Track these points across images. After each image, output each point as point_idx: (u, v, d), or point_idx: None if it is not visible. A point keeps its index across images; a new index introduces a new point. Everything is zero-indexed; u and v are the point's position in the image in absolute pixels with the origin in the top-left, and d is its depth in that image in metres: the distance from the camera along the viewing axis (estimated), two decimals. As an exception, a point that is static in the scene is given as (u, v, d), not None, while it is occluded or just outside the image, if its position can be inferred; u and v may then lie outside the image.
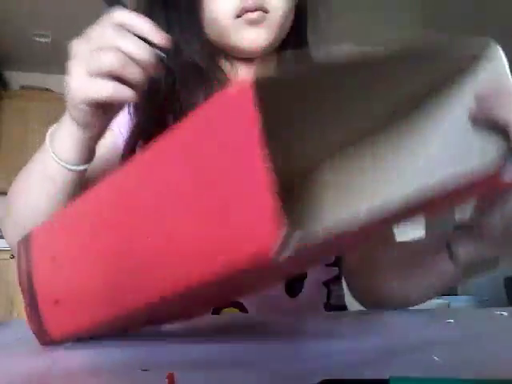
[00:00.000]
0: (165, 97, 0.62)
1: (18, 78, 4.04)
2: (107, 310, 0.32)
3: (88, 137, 0.47)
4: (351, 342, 0.36)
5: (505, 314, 0.47)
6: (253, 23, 0.59)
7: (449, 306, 3.31)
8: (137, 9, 0.61)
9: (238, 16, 0.59)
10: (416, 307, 0.59)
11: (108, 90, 0.41)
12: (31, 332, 0.36)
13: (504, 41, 0.46)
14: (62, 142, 0.49)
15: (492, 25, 3.17)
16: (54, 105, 3.86)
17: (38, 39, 3.54)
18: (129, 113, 0.63)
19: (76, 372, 0.29)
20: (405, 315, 0.52)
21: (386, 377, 0.22)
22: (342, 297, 0.69)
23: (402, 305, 0.58)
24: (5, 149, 3.79)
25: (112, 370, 0.29)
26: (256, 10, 0.58)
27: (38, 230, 0.38)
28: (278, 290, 0.60)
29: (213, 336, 0.41)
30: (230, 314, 0.58)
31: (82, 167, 0.49)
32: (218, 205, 0.23)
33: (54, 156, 0.49)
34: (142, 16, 0.43)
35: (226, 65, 0.66)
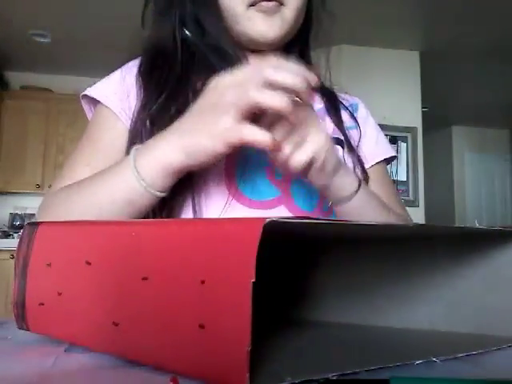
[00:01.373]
0: (179, 78, 0.61)
1: (17, 78, 4.05)
2: (86, 335, 0.32)
3: (190, 166, 0.47)
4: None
5: (505, 314, 0.47)
6: (266, 13, 0.59)
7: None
8: None
9: (252, 5, 0.58)
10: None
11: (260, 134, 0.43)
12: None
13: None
14: (152, 169, 0.48)
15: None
16: (54, 105, 3.87)
17: (37, 39, 3.54)
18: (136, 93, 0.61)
19: (76, 372, 0.29)
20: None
21: (386, 377, 0.22)
22: None
23: None
24: (5, 149, 3.79)
25: (112, 370, 0.29)
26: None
27: (45, 229, 0.38)
28: None
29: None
30: None
31: (167, 192, 0.50)
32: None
33: (143, 182, 0.48)
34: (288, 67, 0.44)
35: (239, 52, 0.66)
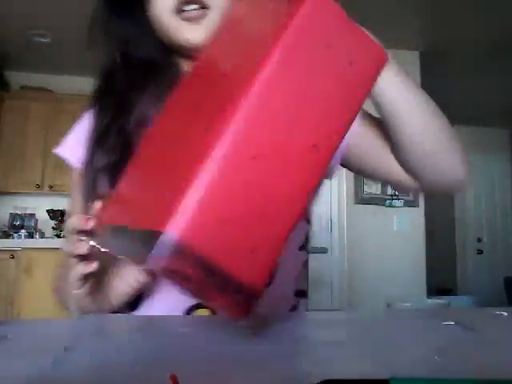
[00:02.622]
0: (120, 101, 0.61)
1: (17, 78, 4.04)
2: None
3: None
4: (351, 342, 0.36)
5: (505, 314, 0.47)
6: (191, 20, 0.58)
7: (449, 305, 3.31)
8: (96, 12, 0.63)
9: (178, 12, 0.58)
10: (416, 307, 0.58)
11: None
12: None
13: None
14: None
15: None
16: (54, 105, 3.87)
17: (37, 39, 3.54)
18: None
19: (76, 372, 0.29)
20: (404, 315, 0.52)
21: (386, 377, 0.22)
22: (305, 279, 0.69)
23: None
24: (5, 149, 3.78)
25: (112, 370, 0.29)
26: (192, 2, 0.57)
27: None
28: None
29: (213, 336, 0.41)
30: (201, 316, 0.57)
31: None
32: None
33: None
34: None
35: (177, 61, 0.66)
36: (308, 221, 0.69)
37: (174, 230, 0.28)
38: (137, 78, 0.62)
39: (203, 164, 0.29)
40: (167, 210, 0.29)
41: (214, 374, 0.27)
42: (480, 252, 5.35)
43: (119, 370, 0.29)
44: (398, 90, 0.51)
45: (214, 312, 0.57)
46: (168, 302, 0.58)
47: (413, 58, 3.65)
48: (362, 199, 3.48)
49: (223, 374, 0.28)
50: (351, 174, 3.51)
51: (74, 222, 0.45)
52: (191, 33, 0.59)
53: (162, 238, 0.28)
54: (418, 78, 3.66)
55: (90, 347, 0.35)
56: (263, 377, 0.27)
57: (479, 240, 5.37)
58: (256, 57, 0.32)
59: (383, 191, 3.52)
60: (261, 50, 0.32)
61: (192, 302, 0.58)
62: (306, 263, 0.68)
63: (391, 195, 3.50)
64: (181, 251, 0.28)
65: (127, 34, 0.63)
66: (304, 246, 0.67)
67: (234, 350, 0.33)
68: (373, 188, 3.51)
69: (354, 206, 3.48)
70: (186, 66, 0.65)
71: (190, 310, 0.58)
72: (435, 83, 3.99)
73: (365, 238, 3.45)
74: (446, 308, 2.93)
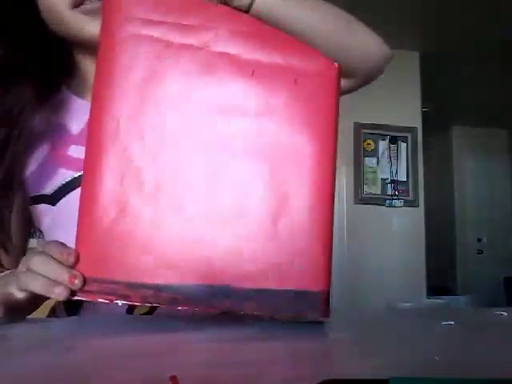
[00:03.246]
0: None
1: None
2: None
3: None
4: (351, 342, 0.36)
5: (505, 314, 0.47)
6: (92, 14, 0.52)
7: (448, 305, 3.31)
8: None
9: (76, 5, 0.52)
10: (415, 307, 0.58)
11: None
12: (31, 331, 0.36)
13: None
14: None
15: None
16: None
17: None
18: None
19: (76, 372, 0.29)
20: (404, 315, 0.52)
21: (386, 377, 0.22)
22: None
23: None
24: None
25: (112, 370, 0.29)
26: None
27: None
28: None
29: (213, 336, 0.41)
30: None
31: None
32: None
33: None
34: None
35: (78, 59, 0.60)
36: None
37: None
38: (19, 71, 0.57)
39: None
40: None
41: (214, 374, 0.27)
42: (480, 252, 5.34)
43: (119, 370, 0.29)
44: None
45: (152, 308, 0.55)
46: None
47: (413, 58, 3.65)
48: (361, 199, 3.48)
49: (223, 374, 0.28)
50: (351, 174, 3.51)
51: (53, 250, 0.42)
52: (95, 28, 0.50)
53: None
54: (418, 78, 3.66)
55: (90, 347, 0.35)
56: (263, 377, 0.27)
57: (479, 240, 5.37)
58: None
59: (383, 191, 3.52)
60: None
61: None
62: None
63: (391, 195, 3.50)
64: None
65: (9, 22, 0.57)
66: None
67: (234, 350, 0.33)
68: (373, 188, 3.51)
69: (353, 206, 3.48)
70: (90, 64, 0.59)
71: (130, 309, 0.56)
72: (435, 83, 3.99)
73: (365, 238, 3.45)
74: (445, 308, 2.93)
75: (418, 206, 3.55)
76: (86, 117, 0.43)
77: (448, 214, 5.38)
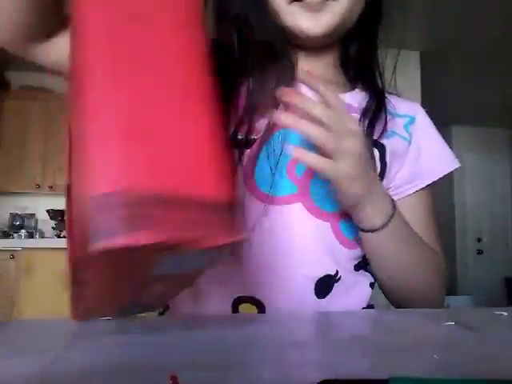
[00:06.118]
0: (234, 75, 0.57)
1: (17, 78, 4.04)
2: None
3: None
4: (351, 342, 0.36)
5: (505, 314, 0.47)
6: (311, 9, 0.55)
7: (448, 306, 3.31)
8: None
9: (296, 0, 0.55)
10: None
11: None
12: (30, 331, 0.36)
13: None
14: None
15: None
16: (54, 105, 3.87)
17: (37, 39, 3.53)
18: None
19: (76, 371, 0.29)
20: (405, 315, 0.52)
21: (386, 377, 0.22)
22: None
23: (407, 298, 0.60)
24: (5, 149, 3.78)
25: (112, 369, 0.29)
26: None
27: None
28: (306, 289, 0.56)
29: (214, 335, 0.41)
30: (246, 313, 0.56)
31: None
32: None
33: None
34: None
35: (290, 50, 0.61)
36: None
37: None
38: (248, 61, 0.58)
39: None
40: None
41: (215, 374, 0.27)
42: (480, 252, 5.35)
43: (119, 371, 0.29)
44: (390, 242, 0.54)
45: (259, 307, 0.55)
46: (214, 298, 0.57)
47: (413, 57, 3.65)
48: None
49: (223, 373, 0.28)
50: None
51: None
52: (309, 22, 0.55)
53: None
54: (418, 78, 3.66)
55: (90, 347, 0.35)
56: (262, 376, 0.27)
57: (479, 240, 5.37)
58: None
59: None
60: None
61: (235, 295, 0.56)
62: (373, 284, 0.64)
63: (391, 195, 3.49)
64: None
65: (244, 14, 0.59)
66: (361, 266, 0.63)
67: (233, 350, 0.33)
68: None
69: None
70: (300, 57, 0.61)
71: (236, 304, 0.56)
72: (435, 83, 3.99)
73: (365, 238, 3.44)
74: (445, 308, 2.93)
75: (418, 206, 3.54)
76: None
77: (448, 213, 5.38)
